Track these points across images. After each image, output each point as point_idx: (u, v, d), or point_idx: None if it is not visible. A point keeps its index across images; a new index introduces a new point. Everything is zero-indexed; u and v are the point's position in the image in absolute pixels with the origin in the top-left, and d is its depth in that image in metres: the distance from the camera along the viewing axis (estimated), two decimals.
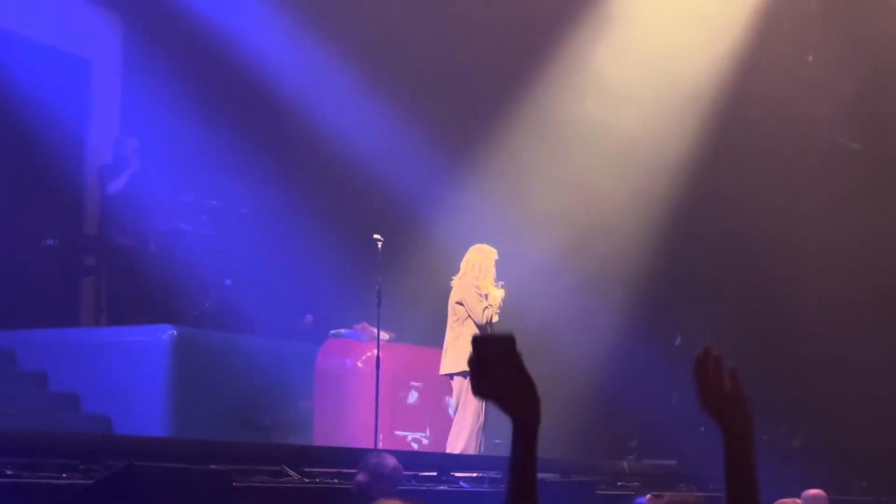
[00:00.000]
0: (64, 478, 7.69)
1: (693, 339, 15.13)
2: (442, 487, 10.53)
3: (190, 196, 14.86)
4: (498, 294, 12.02)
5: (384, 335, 12.42)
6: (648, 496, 5.18)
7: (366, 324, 13.03)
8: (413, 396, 13.31)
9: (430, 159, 15.46)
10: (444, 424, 13.32)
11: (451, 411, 12.68)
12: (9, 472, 7.42)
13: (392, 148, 15.43)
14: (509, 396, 2.72)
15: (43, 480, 7.55)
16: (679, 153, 15.70)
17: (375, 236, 11.88)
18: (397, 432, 13.04)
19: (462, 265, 12.18)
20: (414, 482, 10.26)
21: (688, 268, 15.87)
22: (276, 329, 14.16)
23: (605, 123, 15.58)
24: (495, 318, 11.93)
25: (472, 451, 11.69)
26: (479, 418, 11.78)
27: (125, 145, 14.89)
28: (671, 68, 15.50)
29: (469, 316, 11.89)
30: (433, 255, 14.97)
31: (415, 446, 13.19)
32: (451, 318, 12.05)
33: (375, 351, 12.07)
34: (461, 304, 11.93)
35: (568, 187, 15.70)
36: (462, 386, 11.85)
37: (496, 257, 12.19)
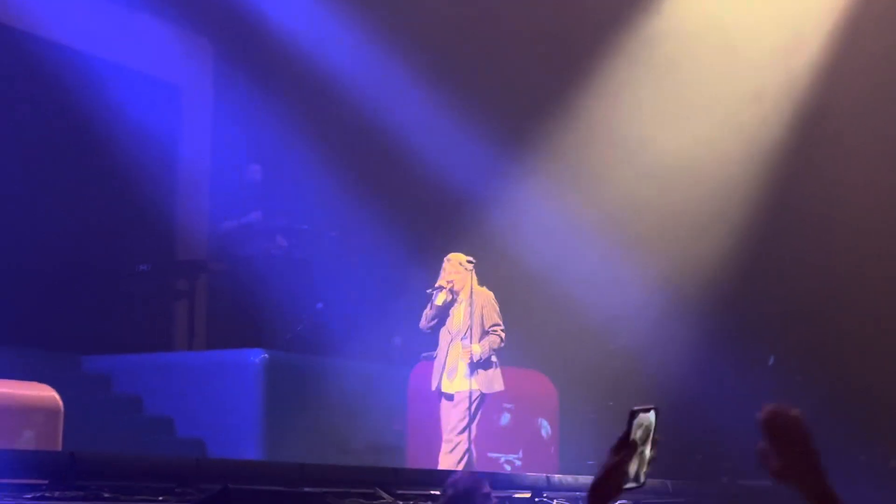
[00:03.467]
0: (160, 501, 7.73)
1: (785, 359, 14.96)
2: None
3: (281, 220, 14.95)
4: (438, 302, 11.75)
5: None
6: None
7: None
8: (505, 418, 13.26)
9: (521, 180, 15.42)
10: (536, 446, 13.28)
11: (543, 433, 12.62)
12: (106, 496, 7.47)
13: (482, 168, 15.41)
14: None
15: (139, 503, 7.60)
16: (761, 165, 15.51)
17: (468, 259, 11.85)
18: (490, 454, 12.99)
19: None
20: (508, 503, 10.22)
21: (779, 285, 15.68)
22: (367, 352, 14.18)
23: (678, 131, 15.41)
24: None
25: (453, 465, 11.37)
26: (445, 437, 11.61)
27: (249, 172, 15.05)
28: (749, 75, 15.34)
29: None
30: (521, 275, 14.93)
31: (508, 468, 13.12)
32: None
33: None
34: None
35: (661, 212, 15.59)
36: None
37: (446, 265, 11.86)
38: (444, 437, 11.64)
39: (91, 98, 13.92)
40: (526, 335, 13.83)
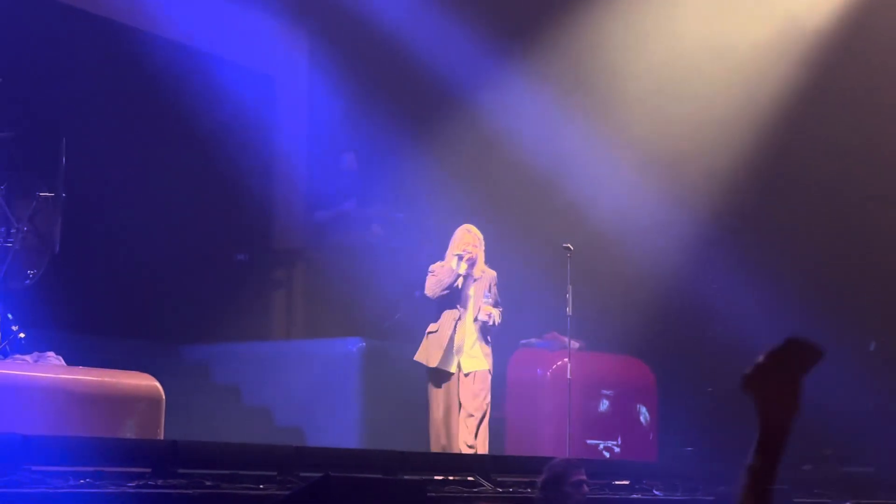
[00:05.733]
0: (261, 489, 7.78)
1: (888, 344, 14.76)
2: (635, 496, 10.43)
3: (377, 207, 14.99)
4: (452, 264, 11.37)
5: (574, 344, 12.34)
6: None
7: (556, 333, 12.96)
8: (604, 405, 13.21)
9: (621, 167, 15.34)
10: (635, 432, 13.22)
11: (642, 419, 12.55)
12: (208, 484, 7.54)
13: (578, 154, 15.35)
14: (775, 400, 2.62)
15: (241, 491, 7.65)
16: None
17: (565, 245, 11.77)
18: (589, 441, 12.95)
19: None
20: (607, 491, 10.18)
21: (883, 269, 15.47)
22: None
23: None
24: (498, 313, 11.34)
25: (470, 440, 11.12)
26: (440, 425, 11.28)
27: (343, 160, 15.12)
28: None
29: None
30: (622, 262, 14.86)
31: (606, 455, 13.08)
32: None
33: (566, 360, 11.99)
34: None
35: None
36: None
37: (466, 235, 11.52)
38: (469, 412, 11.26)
39: (188, 89, 14.02)
40: (622, 321, 13.79)
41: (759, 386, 2.63)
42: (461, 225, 11.63)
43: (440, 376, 11.29)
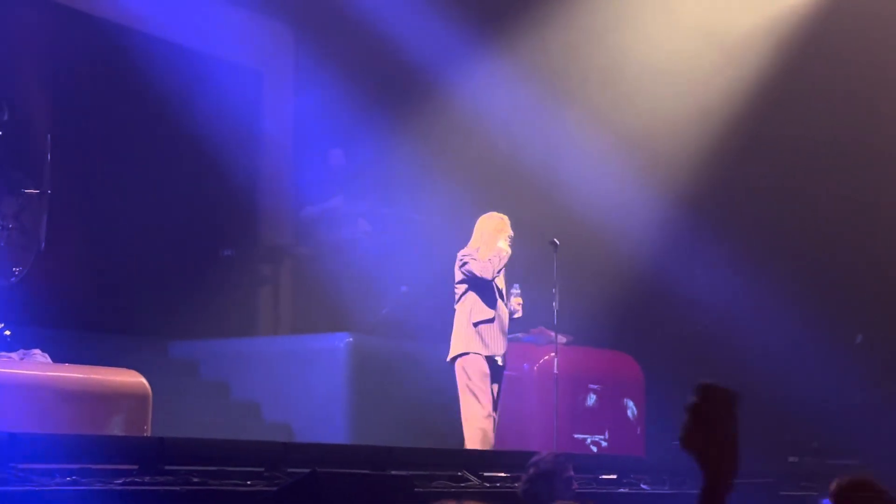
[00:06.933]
0: (248, 485, 7.77)
1: (874, 337, 14.79)
2: (623, 490, 10.45)
3: (364, 203, 14.98)
4: (502, 244, 11.12)
5: (561, 338, 12.34)
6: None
7: (543, 327, 12.96)
8: (591, 399, 13.22)
9: (607, 161, 15.35)
10: (623, 427, 13.23)
11: (629, 414, 12.56)
12: (195, 480, 7.52)
13: (566, 148, 15.37)
14: (713, 455, 2.67)
15: (228, 488, 7.63)
16: None
17: (552, 240, 11.76)
18: (576, 435, 12.96)
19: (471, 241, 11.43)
20: (594, 485, 10.18)
21: (868, 261, 15.48)
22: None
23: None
24: (519, 305, 11.17)
25: (477, 445, 10.93)
26: (485, 410, 10.97)
27: (330, 156, 15.12)
28: None
29: (472, 288, 11.11)
30: (608, 256, 14.88)
31: (594, 449, 13.10)
32: (455, 300, 11.32)
33: (553, 355, 12.00)
34: (461, 281, 11.13)
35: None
36: (459, 373, 11.14)
37: (504, 224, 11.29)
38: (491, 412, 11.13)
39: (174, 85, 14.00)
40: (609, 316, 13.80)
41: (695, 444, 2.67)
42: (487, 214, 11.42)
43: (486, 367, 11.08)
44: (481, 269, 11.00)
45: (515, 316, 11.26)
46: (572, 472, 7.59)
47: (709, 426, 2.65)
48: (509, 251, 11.16)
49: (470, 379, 10.99)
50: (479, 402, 10.96)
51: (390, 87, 15.67)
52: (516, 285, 11.28)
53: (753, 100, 15.15)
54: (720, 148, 15.21)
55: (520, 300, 11.23)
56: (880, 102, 15.04)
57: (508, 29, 15.73)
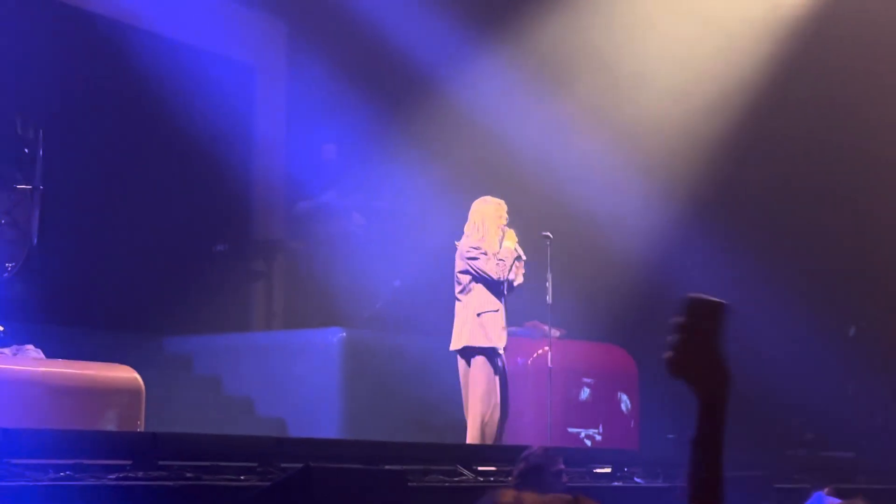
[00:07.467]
0: (242, 480, 7.77)
1: (867, 330, 14.81)
2: (617, 484, 10.45)
3: (358, 197, 14.98)
4: (508, 244, 10.97)
5: (555, 332, 12.33)
6: (827, 489, 5.08)
7: (537, 321, 12.95)
8: (585, 393, 13.22)
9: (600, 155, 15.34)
10: (617, 420, 13.23)
11: (623, 407, 12.56)
12: (188, 475, 7.52)
13: (558, 141, 15.36)
14: (703, 375, 2.61)
15: (221, 483, 7.63)
16: None
17: (544, 233, 11.73)
18: (570, 429, 12.96)
19: (465, 226, 11.22)
20: (588, 478, 10.18)
21: (861, 252, 15.50)
22: (446, 328, 14.17)
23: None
24: (516, 271, 10.94)
25: (477, 440, 10.82)
26: (489, 402, 10.84)
27: (323, 151, 15.11)
28: None
29: (477, 280, 10.92)
30: (602, 250, 14.88)
31: (588, 443, 13.10)
32: (456, 289, 11.11)
33: (547, 348, 11.99)
34: (465, 272, 10.98)
35: None
36: (463, 365, 11.04)
37: (500, 209, 11.15)
38: (497, 403, 10.96)
39: (167, 79, 13.99)
40: (603, 309, 13.79)
41: (683, 366, 2.62)
42: (482, 199, 11.26)
43: (490, 358, 10.97)
44: (493, 271, 10.88)
45: (516, 284, 11.08)
46: (563, 466, 7.58)
47: (698, 343, 2.60)
48: (523, 256, 11.04)
49: (472, 370, 10.93)
50: (480, 393, 10.88)
51: (384, 81, 15.66)
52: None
53: (749, 94, 15.16)
54: (715, 141, 15.21)
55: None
56: (875, 106, 15.04)
57: (502, 21, 15.73)
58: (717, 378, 2.62)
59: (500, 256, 10.93)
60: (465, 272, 11.00)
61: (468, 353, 10.93)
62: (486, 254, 10.92)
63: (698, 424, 2.63)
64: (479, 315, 10.94)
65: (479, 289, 10.97)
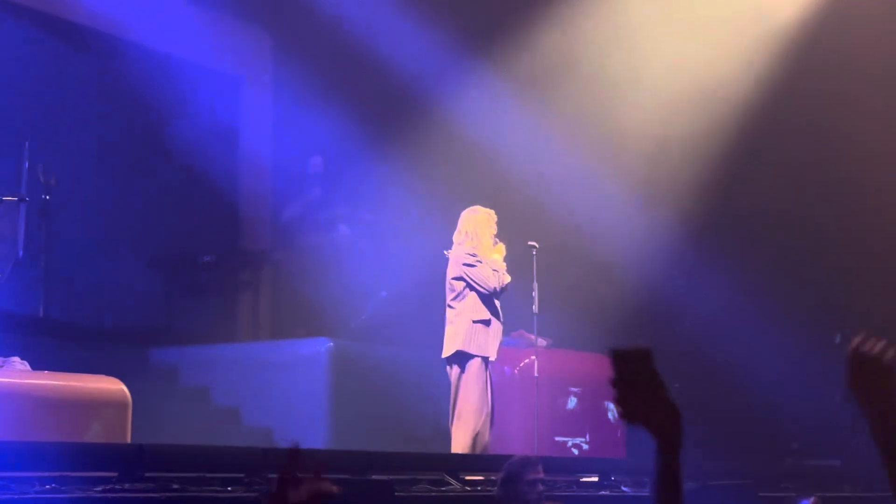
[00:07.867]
0: (229, 491, 7.77)
1: (854, 337, 14.79)
2: (604, 493, 10.46)
3: (345, 208, 14.99)
4: (497, 257, 11.02)
5: (542, 341, 12.35)
6: (813, 498, 5.10)
7: (523, 331, 12.96)
8: (572, 402, 13.23)
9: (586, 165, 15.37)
10: (604, 429, 13.24)
11: (610, 416, 12.56)
12: (175, 487, 7.52)
13: (545, 152, 15.38)
14: (655, 417, 2.71)
15: (208, 494, 7.63)
16: None
17: (530, 243, 11.75)
18: (557, 438, 12.97)
19: (454, 236, 11.23)
20: (575, 487, 10.19)
21: (845, 263, 15.53)
22: (433, 339, 14.17)
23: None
24: (507, 279, 10.92)
25: (467, 450, 10.79)
26: (482, 412, 10.82)
27: (309, 164, 15.12)
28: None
29: (471, 288, 10.89)
30: (588, 259, 14.89)
31: (575, 452, 13.11)
32: (448, 297, 11.06)
33: (533, 358, 12.00)
34: (459, 278, 10.93)
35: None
36: (455, 372, 10.95)
37: (491, 219, 11.18)
38: (488, 412, 10.97)
39: (153, 91, 14.00)
40: (589, 318, 13.80)
41: (634, 413, 2.73)
42: (472, 208, 11.29)
43: (483, 366, 10.92)
44: (490, 278, 10.88)
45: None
46: (541, 475, 7.58)
47: (639, 389, 2.71)
48: (509, 278, 11.01)
49: (465, 378, 10.88)
50: (473, 401, 10.85)
51: (370, 94, 15.67)
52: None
53: (738, 105, 15.19)
54: (702, 152, 15.24)
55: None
56: (866, 118, 15.07)
57: (489, 33, 15.76)
58: (668, 417, 2.73)
59: (493, 267, 10.95)
60: (460, 279, 10.97)
61: (462, 358, 10.87)
62: (482, 262, 10.94)
63: (658, 462, 2.74)
64: (474, 322, 10.93)
65: (473, 296, 10.96)
